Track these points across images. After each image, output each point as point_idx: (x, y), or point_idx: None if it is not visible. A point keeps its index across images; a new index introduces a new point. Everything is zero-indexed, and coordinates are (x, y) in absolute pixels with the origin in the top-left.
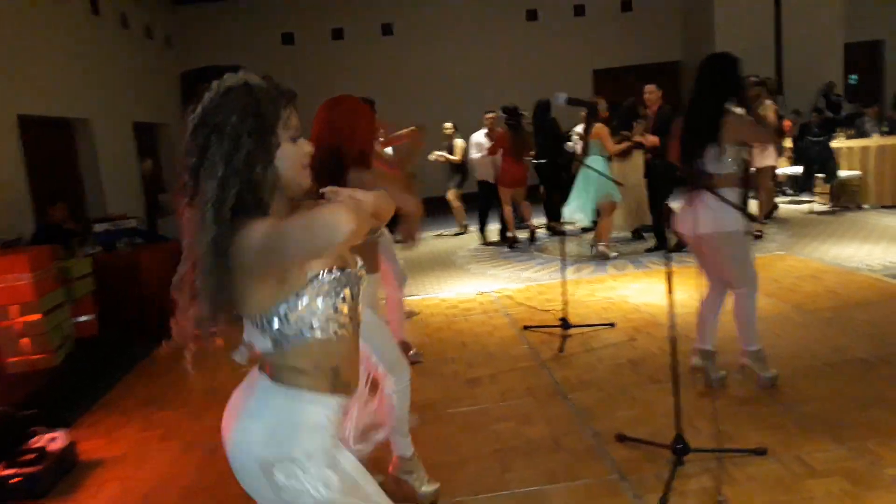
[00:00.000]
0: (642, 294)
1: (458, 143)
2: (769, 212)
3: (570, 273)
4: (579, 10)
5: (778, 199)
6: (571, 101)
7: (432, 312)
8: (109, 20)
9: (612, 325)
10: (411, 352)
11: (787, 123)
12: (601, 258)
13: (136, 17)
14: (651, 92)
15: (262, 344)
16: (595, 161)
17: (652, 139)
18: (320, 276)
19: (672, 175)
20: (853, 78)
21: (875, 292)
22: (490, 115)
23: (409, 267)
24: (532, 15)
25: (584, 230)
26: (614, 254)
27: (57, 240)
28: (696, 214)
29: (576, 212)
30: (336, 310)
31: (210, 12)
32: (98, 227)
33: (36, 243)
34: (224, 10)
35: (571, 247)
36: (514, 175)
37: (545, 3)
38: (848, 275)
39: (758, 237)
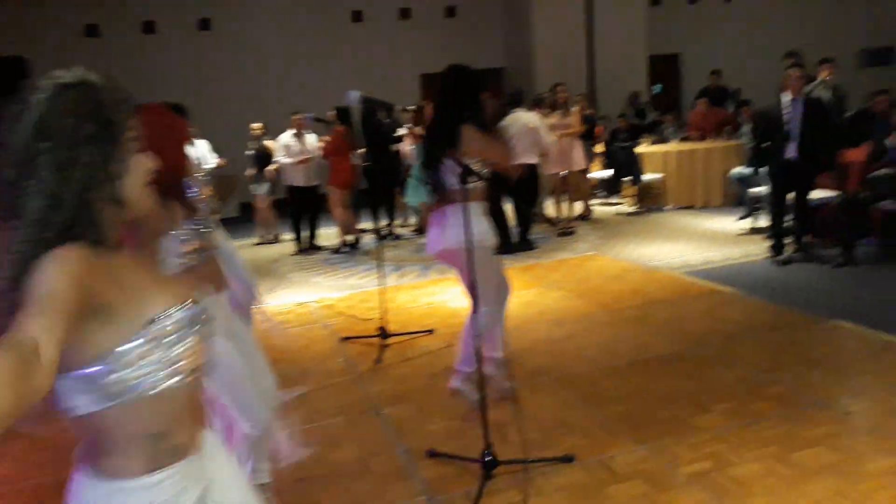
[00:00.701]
0: (460, 298)
1: (269, 144)
2: (584, 214)
3: (394, 279)
4: (405, 13)
5: (591, 202)
6: (366, 101)
7: None
8: None
9: (430, 331)
10: None
11: (598, 129)
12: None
13: None
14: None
15: (74, 404)
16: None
17: None
18: (156, 321)
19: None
20: (657, 87)
21: (674, 289)
22: (297, 116)
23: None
24: (357, 16)
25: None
26: None
27: None
28: (439, 229)
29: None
30: (174, 359)
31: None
32: None
33: None
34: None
35: (397, 251)
36: (348, 176)
37: (371, 5)
38: (650, 273)
39: (568, 234)
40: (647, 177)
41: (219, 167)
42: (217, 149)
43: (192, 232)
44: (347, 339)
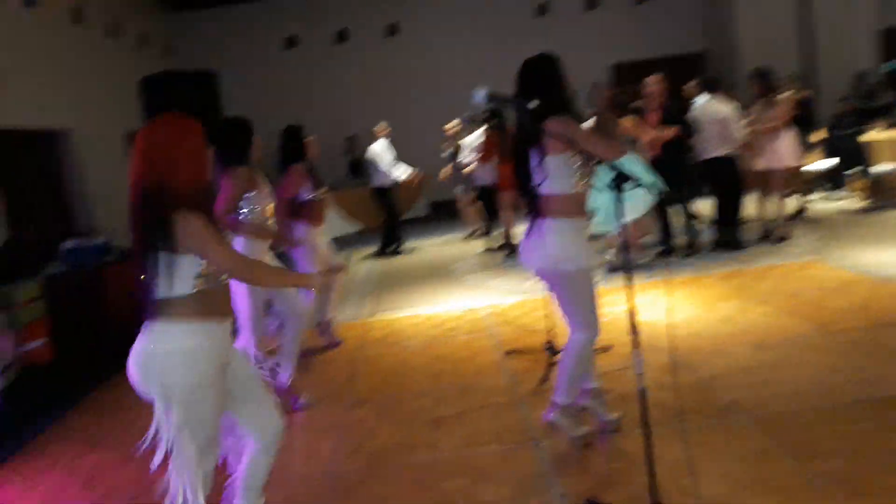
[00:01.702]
0: (646, 309)
1: (465, 144)
2: (799, 212)
3: None
4: (591, 3)
5: (809, 197)
6: (493, 99)
7: (413, 333)
8: (95, 29)
9: (607, 348)
10: (300, 400)
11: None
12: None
13: (128, 25)
14: (654, 83)
15: None
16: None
17: (652, 135)
18: None
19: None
20: (890, 65)
21: None
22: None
23: (402, 277)
24: (541, 10)
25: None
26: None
27: (22, 259)
28: (533, 242)
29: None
30: None
31: (210, 18)
32: (64, 245)
33: (1, 262)
34: (224, 15)
35: None
36: (510, 177)
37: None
38: (882, 286)
39: (779, 239)
40: (880, 168)
41: (409, 181)
42: (408, 149)
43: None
44: (512, 352)
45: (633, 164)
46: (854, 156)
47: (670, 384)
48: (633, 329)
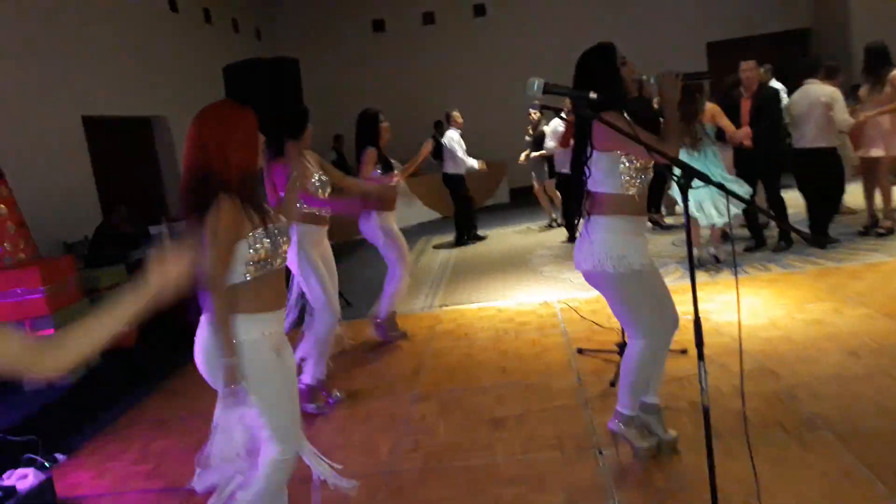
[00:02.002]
0: (727, 310)
1: (547, 130)
2: None
3: None
4: None
5: None
6: (549, 90)
7: (484, 326)
8: (190, 16)
9: (683, 351)
10: (335, 393)
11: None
12: (709, 262)
13: (219, 11)
14: (749, 69)
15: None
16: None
17: (742, 132)
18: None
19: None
20: None
21: None
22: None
23: (476, 267)
24: None
25: (662, 227)
26: (724, 255)
27: (113, 243)
28: (580, 244)
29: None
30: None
31: (300, 2)
32: (154, 230)
33: (93, 247)
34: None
35: (656, 246)
36: None
37: None
38: None
39: (883, 233)
40: None
41: (480, 169)
42: (493, 134)
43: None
44: (583, 351)
45: (709, 163)
46: None
47: (751, 392)
48: (699, 340)
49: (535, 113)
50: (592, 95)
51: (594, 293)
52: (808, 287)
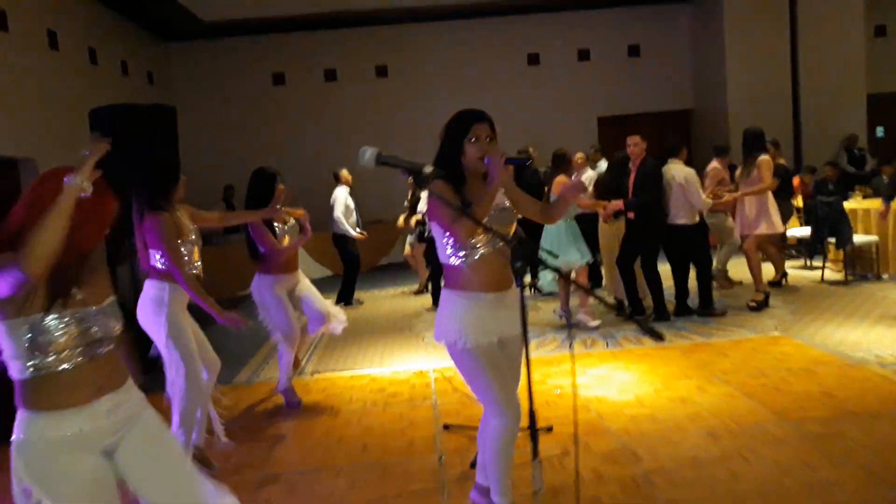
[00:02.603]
0: (598, 384)
1: (424, 194)
2: (776, 279)
3: (550, 347)
4: (584, 55)
5: (788, 265)
6: (382, 162)
7: (353, 397)
8: (72, 55)
9: (549, 429)
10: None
11: (796, 180)
12: (578, 328)
13: (107, 51)
14: (636, 144)
15: None
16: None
17: (611, 205)
18: None
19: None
20: (880, 130)
21: (879, 398)
22: None
23: (358, 330)
24: (534, 59)
25: (545, 293)
26: (595, 322)
27: None
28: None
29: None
30: None
31: (197, 50)
32: None
33: None
34: (213, 48)
35: (540, 314)
36: None
37: (548, 47)
38: (850, 369)
39: (755, 308)
40: (858, 238)
41: (357, 237)
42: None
43: None
44: (450, 427)
45: (563, 232)
46: (833, 224)
47: (610, 477)
48: (532, 425)
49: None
50: (427, 169)
51: None
52: (678, 363)
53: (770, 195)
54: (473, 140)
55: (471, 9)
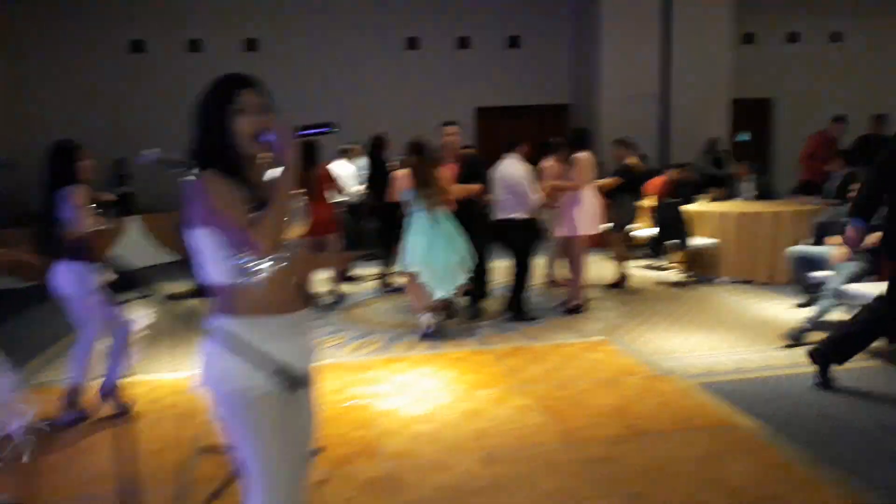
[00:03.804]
0: (401, 392)
1: None
2: (617, 282)
3: (347, 351)
4: (463, 42)
5: (635, 265)
6: (162, 162)
7: (150, 407)
8: None
9: (316, 451)
10: None
11: (657, 181)
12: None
13: None
14: (450, 133)
15: None
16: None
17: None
18: None
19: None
20: (744, 135)
21: (675, 414)
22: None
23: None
24: (412, 43)
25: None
26: (431, 322)
27: None
28: None
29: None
30: None
31: (47, 9)
32: None
33: None
34: (63, 8)
35: (369, 311)
36: (323, 218)
37: (427, 32)
38: (655, 381)
39: (573, 311)
40: (697, 241)
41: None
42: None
43: None
44: (206, 449)
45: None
46: (675, 226)
47: None
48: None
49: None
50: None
51: None
52: (489, 369)
53: (588, 195)
54: (242, 112)
55: None
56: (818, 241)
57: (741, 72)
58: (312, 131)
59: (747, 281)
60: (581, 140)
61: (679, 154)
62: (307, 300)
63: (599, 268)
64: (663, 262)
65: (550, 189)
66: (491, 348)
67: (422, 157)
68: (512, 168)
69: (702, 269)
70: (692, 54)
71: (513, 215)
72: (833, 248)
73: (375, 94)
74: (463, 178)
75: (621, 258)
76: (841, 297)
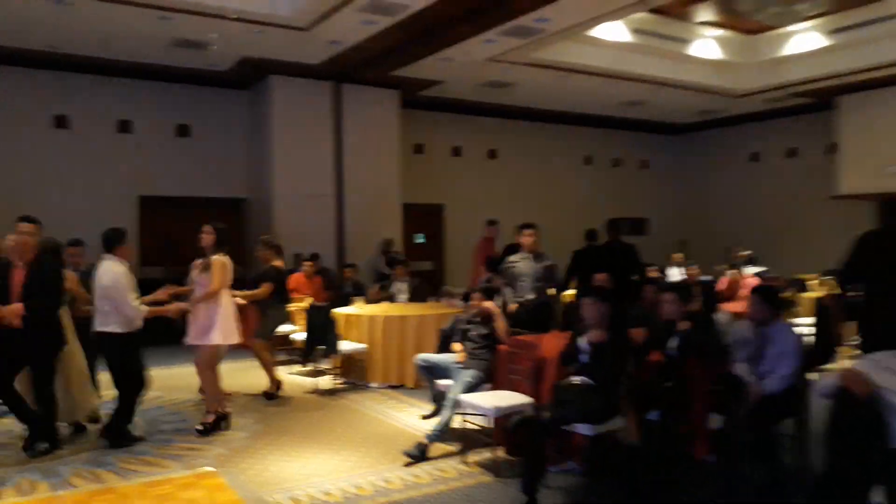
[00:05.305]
0: None
1: None
2: (270, 391)
3: None
4: (124, 126)
5: (288, 371)
6: None
7: None
8: None
9: None
10: None
11: (299, 275)
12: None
13: None
14: (28, 231)
15: None
16: None
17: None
18: None
19: None
20: (420, 237)
21: None
22: None
23: None
24: (62, 122)
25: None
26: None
27: None
28: None
29: None
30: None
31: None
32: None
33: None
34: None
35: None
36: None
37: (80, 113)
38: None
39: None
40: (348, 345)
41: None
42: None
43: None
44: None
45: None
46: (325, 330)
47: None
48: None
49: None
50: None
51: None
52: None
53: (225, 301)
54: None
55: None
56: (443, 349)
57: (410, 179)
58: None
59: (397, 386)
60: (220, 241)
61: (354, 254)
62: None
63: (254, 375)
64: (320, 367)
65: (193, 300)
66: (69, 492)
67: None
68: (108, 273)
69: (354, 374)
70: (363, 159)
71: (108, 329)
72: (455, 355)
73: (25, 176)
74: (31, 286)
75: (268, 365)
76: (458, 407)
